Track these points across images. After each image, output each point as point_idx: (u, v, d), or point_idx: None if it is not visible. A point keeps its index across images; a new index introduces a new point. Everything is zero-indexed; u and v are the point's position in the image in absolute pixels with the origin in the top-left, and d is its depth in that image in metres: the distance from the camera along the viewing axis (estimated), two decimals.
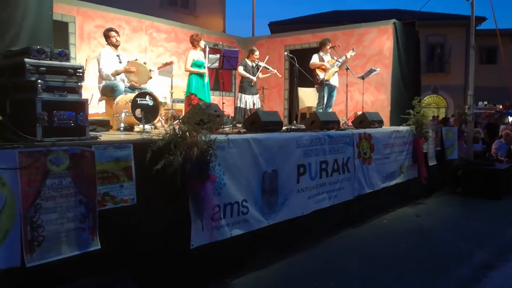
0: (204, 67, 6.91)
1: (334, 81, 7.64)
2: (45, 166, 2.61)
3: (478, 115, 15.73)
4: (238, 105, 7.53)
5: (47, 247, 2.61)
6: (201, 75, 6.85)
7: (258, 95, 7.84)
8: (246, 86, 7.60)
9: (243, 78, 7.64)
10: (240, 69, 7.55)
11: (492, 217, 6.39)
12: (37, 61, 2.98)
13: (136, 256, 3.14)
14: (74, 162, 2.73)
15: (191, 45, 6.98)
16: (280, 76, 8.52)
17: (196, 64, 6.81)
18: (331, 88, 7.65)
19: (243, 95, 7.58)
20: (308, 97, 8.49)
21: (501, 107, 18.28)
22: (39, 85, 2.91)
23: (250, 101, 7.62)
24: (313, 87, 7.82)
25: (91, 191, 2.81)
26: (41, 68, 2.96)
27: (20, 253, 2.49)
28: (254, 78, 7.60)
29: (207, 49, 7.16)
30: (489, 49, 24.48)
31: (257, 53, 7.72)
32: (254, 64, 7.68)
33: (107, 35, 5.95)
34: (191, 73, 6.84)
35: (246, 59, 7.69)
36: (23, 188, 2.51)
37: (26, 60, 2.94)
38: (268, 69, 7.82)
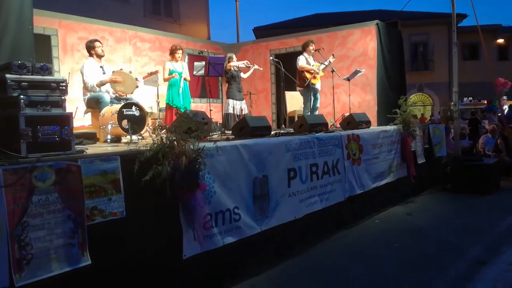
0: (181, 76, 7.02)
1: (318, 84, 7.69)
2: (30, 182, 2.57)
3: (464, 111, 15.91)
4: (229, 111, 7.49)
5: (36, 265, 2.56)
6: (175, 82, 6.96)
7: (244, 101, 7.83)
8: (234, 92, 7.59)
9: (230, 84, 7.63)
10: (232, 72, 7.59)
11: (483, 212, 6.44)
12: (18, 76, 2.93)
13: (127, 269, 3.09)
14: (60, 177, 2.69)
15: (170, 55, 7.12)
16: (262, 69, 8.36)
17: (172, 74, 6.97)
18: (315, 91, 7.68)
19: (232, 101, 7.55)
20: (295, 100, 8.49)
21: (485, 102, 18.52)
22: (22, 101, 2.87)
23: (238, 106, 7.60)
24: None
25: (79, 206, 2.76)
26: (23, 83, 2.92)
27: (9, 273, 2.44)
28: (245, 76, 7.79)
29: (186, 58, 7.25)
30: (472, 46, 24.88)
31: (234, 57, 7.77)
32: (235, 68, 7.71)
33: (91, 46, 5.89)
34: (169, 82, 7.03)
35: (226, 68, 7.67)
36: (8, 206, 2.46)
37: (8, 76, 2.89)
38: (249, 66, 7.84)
